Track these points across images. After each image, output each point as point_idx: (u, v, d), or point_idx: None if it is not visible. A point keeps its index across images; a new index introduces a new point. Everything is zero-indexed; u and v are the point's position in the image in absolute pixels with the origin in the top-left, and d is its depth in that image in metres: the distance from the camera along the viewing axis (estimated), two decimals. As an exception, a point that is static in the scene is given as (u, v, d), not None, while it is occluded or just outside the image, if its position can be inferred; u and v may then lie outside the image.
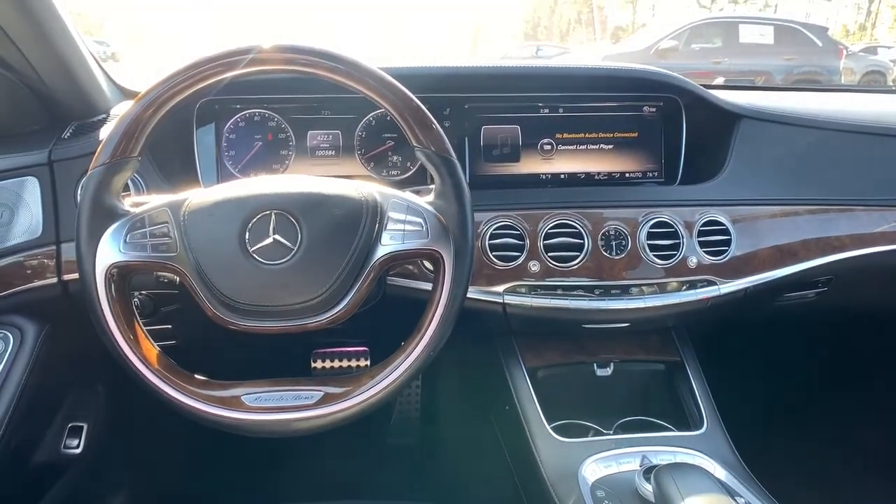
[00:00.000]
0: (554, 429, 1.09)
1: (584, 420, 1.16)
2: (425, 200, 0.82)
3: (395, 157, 1.22)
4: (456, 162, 0.81)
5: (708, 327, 1.26)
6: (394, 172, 1.22)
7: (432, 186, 0.84)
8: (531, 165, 1.24)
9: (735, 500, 0.86)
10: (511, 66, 1.22)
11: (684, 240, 1.09)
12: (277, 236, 0.76)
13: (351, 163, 1.21)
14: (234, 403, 0.78)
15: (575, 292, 1.08)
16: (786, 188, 1.19)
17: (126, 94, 1.19)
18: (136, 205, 0.80)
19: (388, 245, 0.79)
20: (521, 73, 1.23)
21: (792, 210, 1.17)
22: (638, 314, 1.10)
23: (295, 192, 0.79)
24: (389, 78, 0.80)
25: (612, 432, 1.13)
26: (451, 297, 0.80)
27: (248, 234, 0.76)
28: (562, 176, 1.24)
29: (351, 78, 0.78)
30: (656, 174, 1.26)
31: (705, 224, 1.11)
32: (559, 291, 1.08)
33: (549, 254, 1.07)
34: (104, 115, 1.12)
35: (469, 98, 1.21)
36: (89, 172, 0.77)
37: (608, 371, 1.20)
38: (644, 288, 1.09)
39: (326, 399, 0.79)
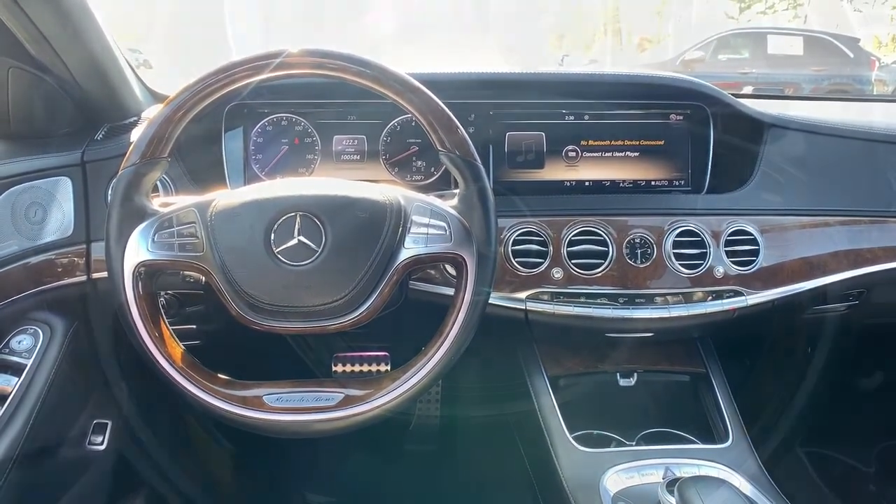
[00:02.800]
0: (575, 438, 1.07)
1: (607, 430, 1.14)
2: (449, 204, 0.82)
3: (419, 163, 1.22)
4: (480, 166, 0.81)
5: (734, 339, 1.23)
6: (418, 177, 1.23)
7: (456, 191, 0.84)
8: (555, 172, 1.23)
9: None
10: (537, 73, 1.22)
11: (711, 249, 1.08)
12: (302, 238, 0.77)
13: (375, 168, 1.22)
14: (255, 403, 0.79)
15: (598, 300, 1.07)
16: (815, 198, 1.16)
17: (157, 97, 1.22)
18: (165, 205, 0.82)
19: (411, 248, 0.79)
20: (546, 80, 1.23)
21: (822, 221, 1.15)
22: (662, 324, 1.08)
23: (320, 194, 0.80)
24: (415, 82, 0.80)
25: (634, 443, 1.12)
26: (474, 302, 0.79)
27: (273, 234, 0.77)
28: (586, 183, 1.23)
29: (377, 82, 0.79)
30: (683, 182, 1.25)
31: (733, 233, 1.09)
32: (582, 299, 1.07)
33: (573, 261, 1.06)
34: (136, 118, 1.15)
35: (494, 104, 1.21)
36: (120, 172, 0.79)
37: (631, 381, 1.19)
38: (669, 297, 1.08)
39: (347, 401, 0.79)
